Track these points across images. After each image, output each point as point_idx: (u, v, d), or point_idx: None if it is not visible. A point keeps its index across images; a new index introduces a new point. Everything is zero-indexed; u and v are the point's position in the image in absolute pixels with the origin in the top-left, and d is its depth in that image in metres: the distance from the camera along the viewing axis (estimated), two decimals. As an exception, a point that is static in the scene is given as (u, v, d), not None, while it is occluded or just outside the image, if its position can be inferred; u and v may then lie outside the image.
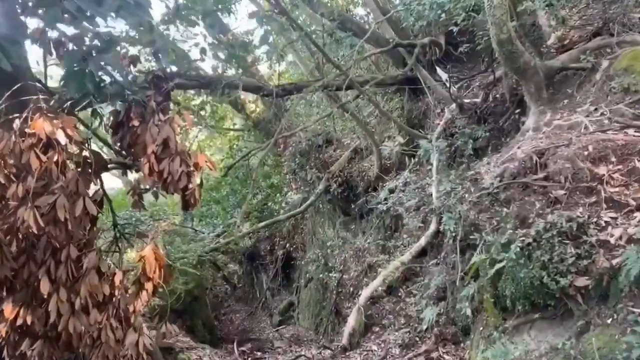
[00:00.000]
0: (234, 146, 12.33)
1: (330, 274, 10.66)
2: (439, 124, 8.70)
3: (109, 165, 3.70)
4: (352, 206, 11.91)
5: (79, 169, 3.16)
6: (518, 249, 4.41)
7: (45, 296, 3.14)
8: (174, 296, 8.48)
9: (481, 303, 5.38)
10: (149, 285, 3.68)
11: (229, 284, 16.01)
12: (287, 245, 14.41)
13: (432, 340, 6.19)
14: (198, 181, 3.38)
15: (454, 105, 8.36)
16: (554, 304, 4.32)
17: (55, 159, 2.93)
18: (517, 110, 7.01)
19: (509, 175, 5.41)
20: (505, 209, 5.14)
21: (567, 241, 4.30)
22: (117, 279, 3.52)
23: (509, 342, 4.64)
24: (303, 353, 8.55)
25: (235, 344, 8.84)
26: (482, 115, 7.79)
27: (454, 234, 6.14)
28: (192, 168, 3.26)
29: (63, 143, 2.95)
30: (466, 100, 8.30)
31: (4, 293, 3.24)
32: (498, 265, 4.67)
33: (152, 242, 3.81)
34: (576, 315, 4.18)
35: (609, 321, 3.93)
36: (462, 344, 6.11)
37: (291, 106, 10.33)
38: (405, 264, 8.25)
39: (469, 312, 5.61)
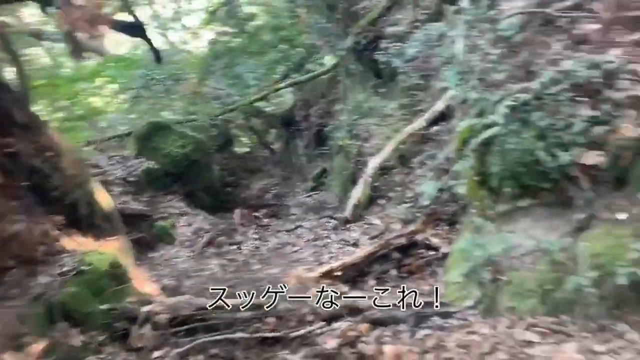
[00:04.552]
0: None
1: (350, 142, 9.68)
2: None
3: None
4: (382, 66, 10.39)
5: None
6: (507, 110, 3.08)
7: None
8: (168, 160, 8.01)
9: (475, 181, 4.21)
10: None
11: (268, 149, 15.65)
12: (320, 111, 13.49)
13: (422, 220, 5.19)
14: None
15: None
16: (550, 187, 3.06)
17: None
18: None
19: (530, 7, 3.80)
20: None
21: (583, 98, 2.89)
22: None
23: (491, 232, 3.54)
24: (303, 223, 7.97)
25: (238, 210, 8.39)
26: None
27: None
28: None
29: None
30: None
31: None
32: (486, 133, 3.38)
33: None
34: (577, 205, 2.93)
35: (620, 217, 2.68)
36: (457, 226, 5.08)
37: None
38: (418, 131, 7.03)
39: (462, 190, 4.48)
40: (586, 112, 2.83)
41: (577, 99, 2.90)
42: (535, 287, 2.91)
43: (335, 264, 4.59)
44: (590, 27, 3.21)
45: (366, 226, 7.13)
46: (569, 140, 2.86)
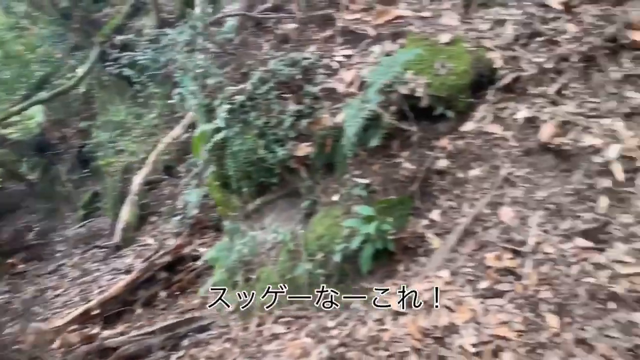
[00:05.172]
0: None
1: (114, 159, 8.92)
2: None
3: None
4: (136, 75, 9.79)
5: None
6: (226, 113, 3.10)
7: None
8: None
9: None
10: None
11: (24, 182, 13.45)
12: (76, 130, 12.17)
13: (187, 231, 5.04)
14: None
15: None
16: (278, 182, 3.21)
17: None
18: None
19: (241, 10, 3.91)
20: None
21: (288, 95, 3.07)
22: None
23: (243, 233, 3.57)
24: (68, 261, 7.06)
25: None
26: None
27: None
28: None
29: None
30: None
31: None
32: (215, 138, 3.36)
33: None
34: (302, 194, 3.13)
35: (334, 198, 2.93)
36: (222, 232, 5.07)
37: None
38: (178, 140, 6.81)
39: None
40: (292, 107, 3.01)
41: (284, 95, 3.08)
42: (279, 279, 3.02)
43: (91, 302, 4.11)
44: (290, 27, 3.44)
45: (140, 248, 6.64)
46: (283, 136, 3.02)
